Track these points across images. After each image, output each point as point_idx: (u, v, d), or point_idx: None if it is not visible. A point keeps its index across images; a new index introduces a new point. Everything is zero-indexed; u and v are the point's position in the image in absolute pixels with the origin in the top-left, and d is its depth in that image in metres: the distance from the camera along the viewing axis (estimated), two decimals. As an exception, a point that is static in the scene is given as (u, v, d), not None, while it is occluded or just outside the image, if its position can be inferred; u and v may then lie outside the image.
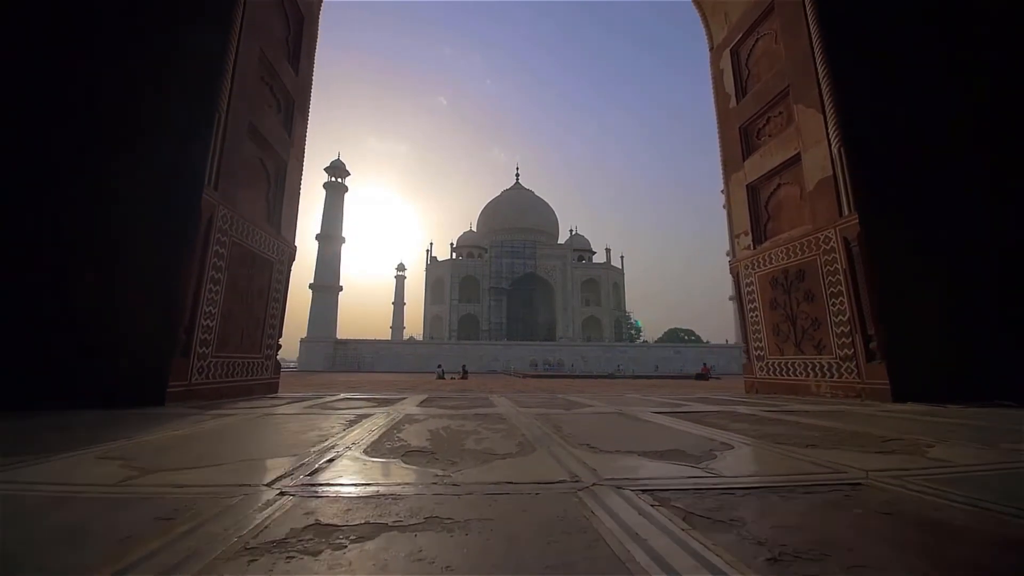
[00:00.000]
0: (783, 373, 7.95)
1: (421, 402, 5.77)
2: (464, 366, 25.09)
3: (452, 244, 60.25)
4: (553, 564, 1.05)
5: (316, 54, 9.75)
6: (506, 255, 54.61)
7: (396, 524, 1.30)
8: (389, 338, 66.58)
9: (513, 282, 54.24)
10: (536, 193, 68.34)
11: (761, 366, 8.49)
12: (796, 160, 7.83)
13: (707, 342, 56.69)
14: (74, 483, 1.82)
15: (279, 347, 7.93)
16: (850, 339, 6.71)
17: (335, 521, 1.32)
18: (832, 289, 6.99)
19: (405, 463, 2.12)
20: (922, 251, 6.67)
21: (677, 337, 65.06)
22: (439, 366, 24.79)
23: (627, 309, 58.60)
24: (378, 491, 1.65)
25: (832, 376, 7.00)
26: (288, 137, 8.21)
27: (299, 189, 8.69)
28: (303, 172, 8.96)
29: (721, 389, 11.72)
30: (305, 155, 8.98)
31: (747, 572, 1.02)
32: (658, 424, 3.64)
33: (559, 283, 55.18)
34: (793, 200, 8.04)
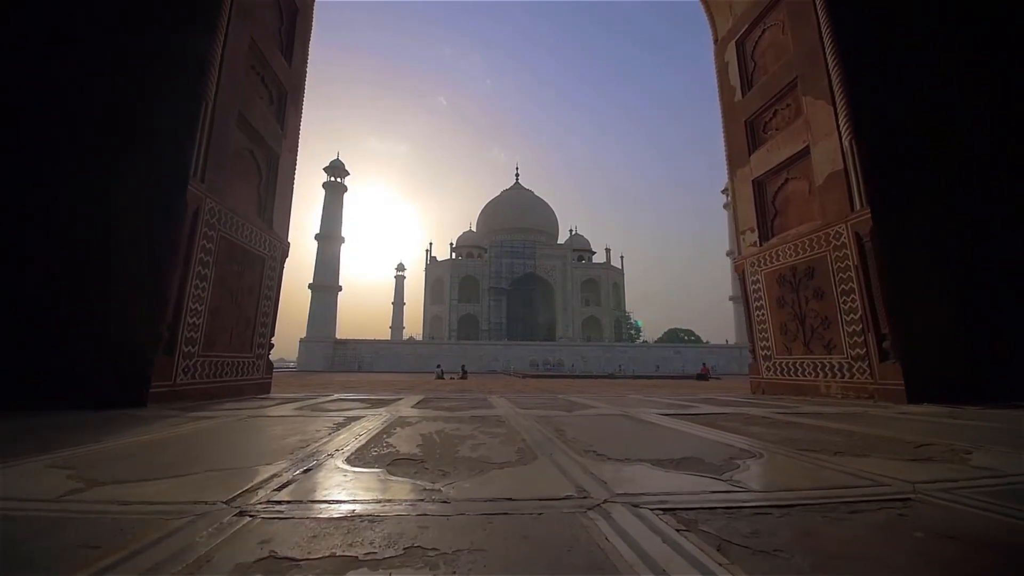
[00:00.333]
0: (791, 373, 7.71)
1: (417, 403, 5.53)
2: (463, 366, 24.83)
3: (452, 244, 60.01)
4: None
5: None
6: (506, 255, 54.35)
7: (368, 558, 1.06)
8: (389, 338, 66.29)
9: (513, 282, 53.99)
10: (536, 193, 68.16)
11: (768, 366, 8.25)
12: (805, 154, 7.59)
13: (707, 342, 56.39)
14: (7, 498, 1.57)
15: (271, 346, 7.68)
16: (862, 338, 6.47)
17: (294, 553, 1.08)
18: (843, 286, 6.75)
19: (390, 474, 1.88)
20: (936, 247, 6.44)
21: (677, 337, 64.79)
22: (438, 366, 24.54)
23: (627, 309, 58.36)
24: (354, 510, 1.41)
25: (843, 376, 6.76)
26: (281, 130, 7.96)
27: (292, 183, 8.44)
28: (297, 166, 8.71)
29: (724, 390, 11.48)
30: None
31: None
32: (667, 428, 3.40)
33: (559, 283, 54.93)
34: (801, 195, 7.80)
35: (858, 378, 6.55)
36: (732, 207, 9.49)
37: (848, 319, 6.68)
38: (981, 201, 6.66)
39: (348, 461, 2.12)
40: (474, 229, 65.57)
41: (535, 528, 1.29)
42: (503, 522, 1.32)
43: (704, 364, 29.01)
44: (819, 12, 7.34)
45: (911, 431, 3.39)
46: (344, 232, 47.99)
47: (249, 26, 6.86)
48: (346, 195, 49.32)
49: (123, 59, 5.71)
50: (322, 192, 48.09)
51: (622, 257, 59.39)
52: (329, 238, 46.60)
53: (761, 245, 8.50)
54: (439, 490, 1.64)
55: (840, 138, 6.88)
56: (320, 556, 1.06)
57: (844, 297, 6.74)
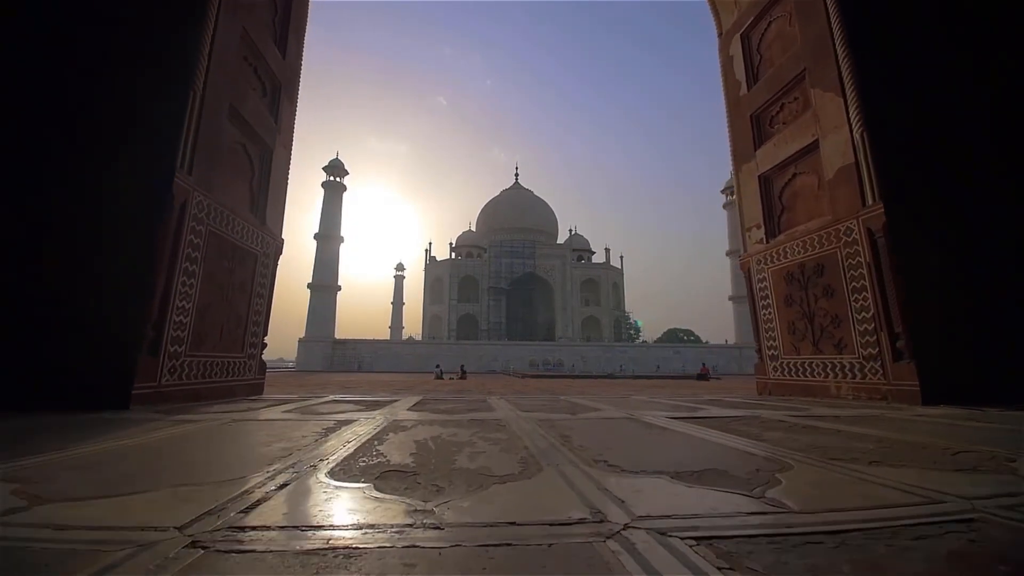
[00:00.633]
0: (799, 374, 7.49)
1: (413, 405, 5.31)
2: (463, 366, 24.60)
3: (451, 244, 59.77)
4: None
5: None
6: (505, 255, 54.12)
7: (335, 612, 0.83)
8: (388, 338, 66.01)
9: (512, 282, 53.76)
10: (535, 193, 67.92)
11: (775, 366, 8.03)
12: (814, 147, 7.37)
13: (706, 342, 56.22)
14: (-71, 521, 1.35)
15: (264, 346, 7.46)
16: (874, 337, 6.25)
17: (243, 604, 0.86)
18: (854, 284, 6.53)
19: (377, 491, 1.66)
20: (950, 244, 6.22)
21: (676, 337, 64.61)
22: (437, 366, 24.31)
23: (627, 309, 58.15)
24: (329, 539, 1.19)
25: (854, 377, 6.54)
26: (274, 123, 7.73)
27: (287, 179, 8.22)
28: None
29: (726, 390, 11.26)
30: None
31: None
32: (679, 433, 3.18)
33: (558, 283, 54.70)
34: (810, 190, 7.58)
35: (870, 379, 6.33)
36: (737, 203, 9.27)
37: (860, 318, 6.46)
38: (997, 197, 6.45)
39: (332, 474, 1.90)
40: (473, 229, 65.33)
41: (544, 561, 1.06)
42: (506, 556, 1.09)
43: (704, 364, 28.80)
44: (828, 2, 7.12)
45: (941, 436, 3.17)
46: (343, 232, 47.78)
47: (241, 15, 6.63)
48: (345, 195, 49.06)
49: (106, 47, 5.48)
50: (321, 192, 47.85)
51: (621, 257, 59.24)
52: (328, 238, 46.34)
53: (768, 242, 8.28)
54: (432, 511, 1.42)
55: (851, 131, 6.67)
56: (276, 609, 0.84)
57: (855, 295, 6.52)
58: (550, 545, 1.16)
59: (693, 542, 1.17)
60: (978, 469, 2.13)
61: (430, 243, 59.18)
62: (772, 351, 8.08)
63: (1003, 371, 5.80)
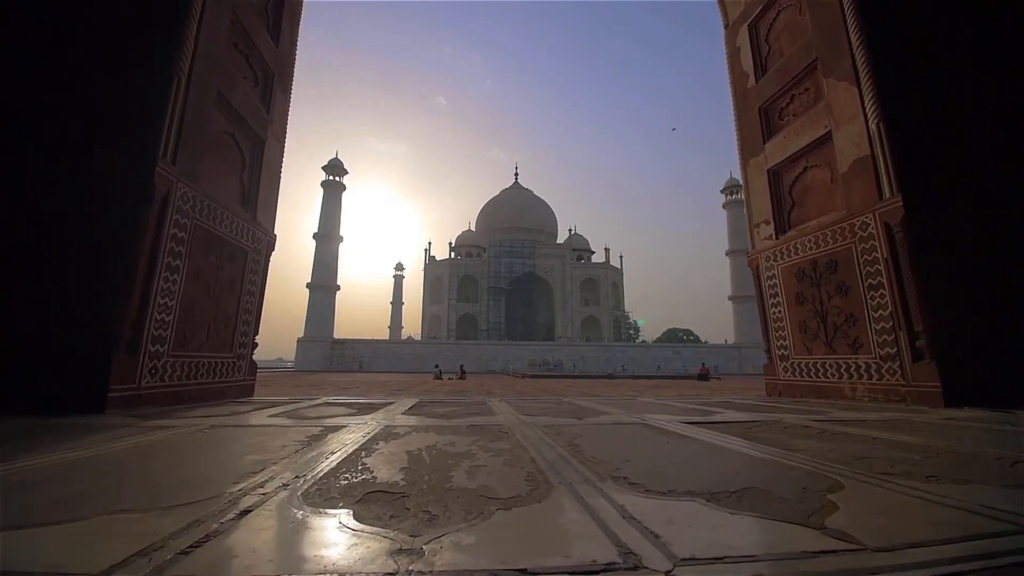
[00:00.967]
0: (811, 374, 7.21)
1: (410, 408, 5.02)
2: (462, 366, 24.29)
3: (451, 243, 59.43)
4: None
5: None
6: (505, 254, 53.82)
7: None
8: (387, 338, 65.67)
9: (512, 282, 53.45)
10: (535, 193, 67.59)
11: (785, 367, 7.74)
12: (826, 139, 7.09)
13: (705, 342, 55.94)
14: None
15: (255, 346, 7.16)
16: (892, 336, 5.98)
17: None
18: (870, 281, 6.25)
19: (356, 519, 1.37)
20: (972, 238, 5.95)
21: (676, 337, 64.38)
22: (436, 366, 24.01)
23: (626, 309, 57.85)
24: (282, 598, 0.90)
25: (871, 378, 6.26)
26: (267, 114, 7.44)
27: (279, 173, 7.92)
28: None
29: (731, 391, 10.98)
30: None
31: None
32: (700, 441, 2.89)
33: (558, 283, 54.40)
34: (822, 184, 7.30)
35: (888, 379, 6.05)
36: (745, 199, 8.99)
37: (876, 316, 6.18)
38: (1020, 189, 6.17)
39: (306, 496, 1.61)
40: (473, 229, 65.01)
41: (570, 637, 0.78)
42: (518, 628, 0.80)
43: (703, 364, 28.58)
44: (842, -12, 6.84)
45: (985, 443, 2.89)
46: (343, 231, 47.43)
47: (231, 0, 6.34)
48: (345, 194, 48.72)
49: (84, 28, 5.19)
50: (321, 191, 47.52)
51: (621, 257, 58.94)
52: (327, 237, 46.00)
53: (777, 238, 8.00)
54: (421, 550, 1.13)
55: (866, 121, 6.39)
56: None
57: (872, 292, 6.24)
58: (575, 608, 0.87)
59: (764, 602, 0.88)
60: (1053, 486, 1.85)
61: (429, 243, 58.91)
62: (782, 351, 7.80)
63: (1025, 371, 5.53)
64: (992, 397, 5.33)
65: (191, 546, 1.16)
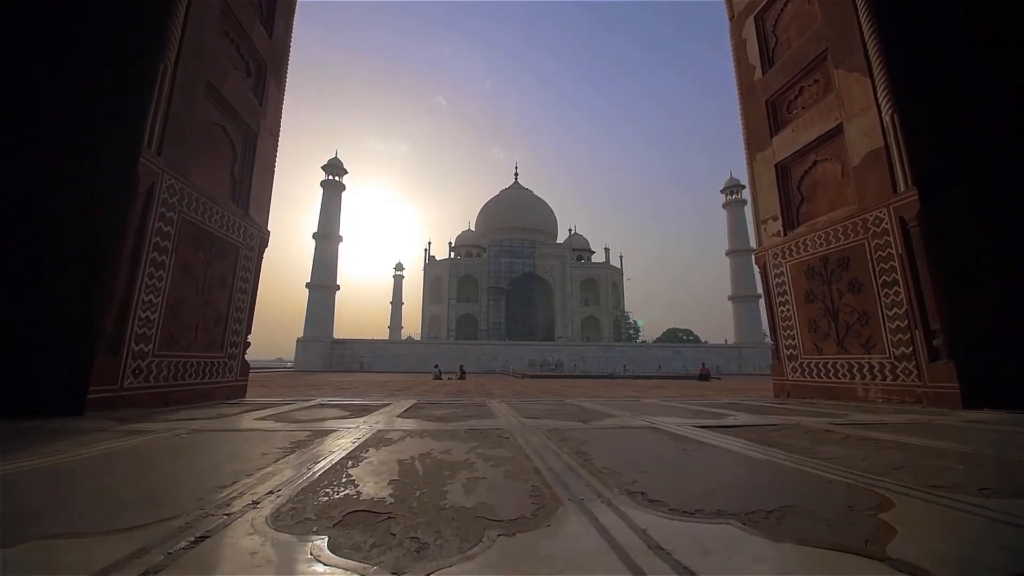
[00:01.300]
0: (821, 375, 6.98)
1: (406, 410, 4.79)
2: (461, 366, 24.04)
3: (450, 243, 59.16)
4: None
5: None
6: (505, 254, 53.56)
7: None
8: (387, 338, 65.43)
9: (512, 281, 53.20)
10: (535, 192, 67.32)
11: (793, 367, 7.52)
12: (837, 132, 6.87)
13: (705, 342, 55.66)
14: None
15: (248, 345, 6.93)
16: (908, 335, 5.76)
17: None
18: (884, 278, 6.03)
19: (331, 550, 1.15)
20: (991, 233, 5.72)
21: (676, 337, 64.10)
22: (436, 366, 23.76)
23: (626, 309, 57.59)
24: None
25: (884, 378, 6.04)
26: (260, 107, 7.22)
27: (273, 166, 7.70)
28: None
29: (735, 391, 10.76)
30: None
31: None
32: (719, 448, 2.67)
33: (558, 283, 54.14)
34: (833, 178, 7.08)
35: (903, 380, 5.83)
36: (751, 195, 8.77)
37: (891, 314, 5.96)
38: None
39: (275, 518, 1.39)
40: (473, 228, 64.75)
41: None
42: None
43: (703, 364, 28.42)
44: (853, -24, 6.62)
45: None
46: (342, 231, 47.16)
47: (220, -13, 6.12)
48: (345, 194, 48.45)
49: (66, 13, 4.96)
50: (320, 191, 47.26)
51: (621, 257, 58.66)
52: (327, 237, 45.73)
53: (786, 234, 7.78)
54: (404, 595, 0.91)
55: (879, 113, 6.17)
56: None
57: (886, 289, 6.02)
58: None
59: None
60: None
61: (429, 243, 58.63)
62: (791, 351, 7.57)
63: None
64: (1012, 398, 5.11)
65: (119, 589, 0.93)
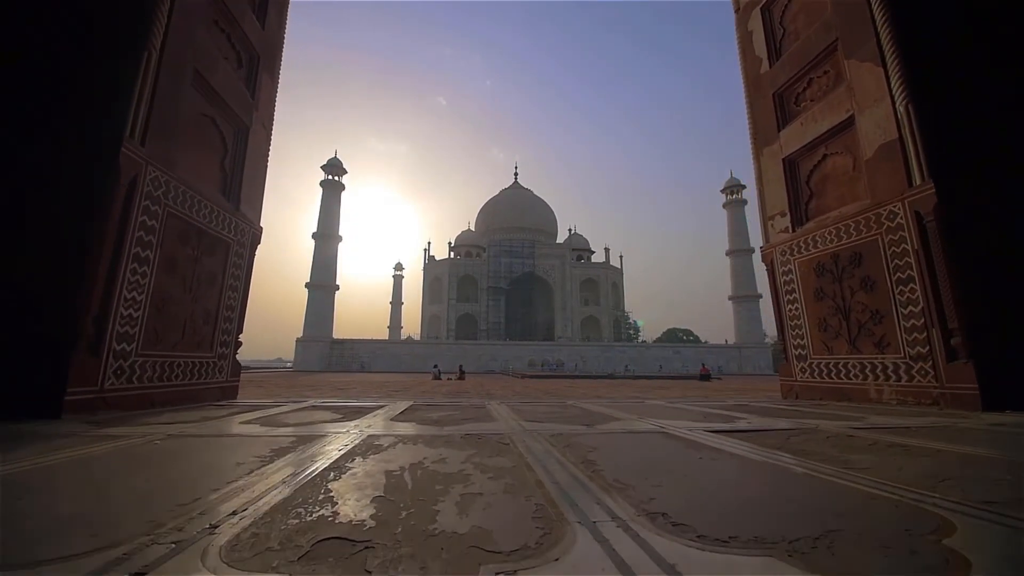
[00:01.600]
0: (832, 375, 6.76)
1: (401, 413, 4.57)
2: (461, 366, 23.82)
3: (450, 243, 58.92)
4: None
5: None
6: (504, 254, 53.34)
7: None
8: (387, 338, 65.19)
9: (511, 281, 52.97)
10: (535, 192, 67.10)
11: (802, 367, 7.29)
12: (848, 124, 6.65)
13: (705, 342, 55.43)
14: None
15: (239, 345, 6.71)
16: (924, 334, 5.54)
17: None
18: (899, 275, 5.81)
19: (286, 595, 0.92)
20: (1012, 227, 5.50)
21: (676, 337, 63.92)
22: (435, 366, 23.53)
23: (626, 309, 57.36)
24: None
25: (899, 379, 5.82)
26: (252, 99, 6.99)
27: (266, 161, 7.48)
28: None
29: (739, 392, 10.54)
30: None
31: None
32: (739, 457, 2.45)
33: (558, 283, 53.91)
34: (843, 172, 6.86)
35: (919, 380, 5.61)
36: (758, 190, 8.55)
37: (906, 312, 5.74)
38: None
39: (232, 548, 1.16)
40: (473, 228, 64.53)
41: None
42: None
43: (703, 364, 28.31)
44: (864, -37, 6.39)
45: (1073, 459, 2.45)
46: (342, 231, 46.95)
47: (210, -27, 5.90)
48: (345, 194, 48.24)
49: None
50: (320, 191, 47.04)
51: (621, 257, 58.45)
52: (326, 237, 45.52)
53: (794, 231, 7.55)
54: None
55: (893, 103, 5.95)
56: None
57: (900, 287, 5.79)
58: None
59: None
60: None
61: (429, 242, 58.41)
62: (800, 350, 7.35)
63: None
64: (1031, 400, 4.90)
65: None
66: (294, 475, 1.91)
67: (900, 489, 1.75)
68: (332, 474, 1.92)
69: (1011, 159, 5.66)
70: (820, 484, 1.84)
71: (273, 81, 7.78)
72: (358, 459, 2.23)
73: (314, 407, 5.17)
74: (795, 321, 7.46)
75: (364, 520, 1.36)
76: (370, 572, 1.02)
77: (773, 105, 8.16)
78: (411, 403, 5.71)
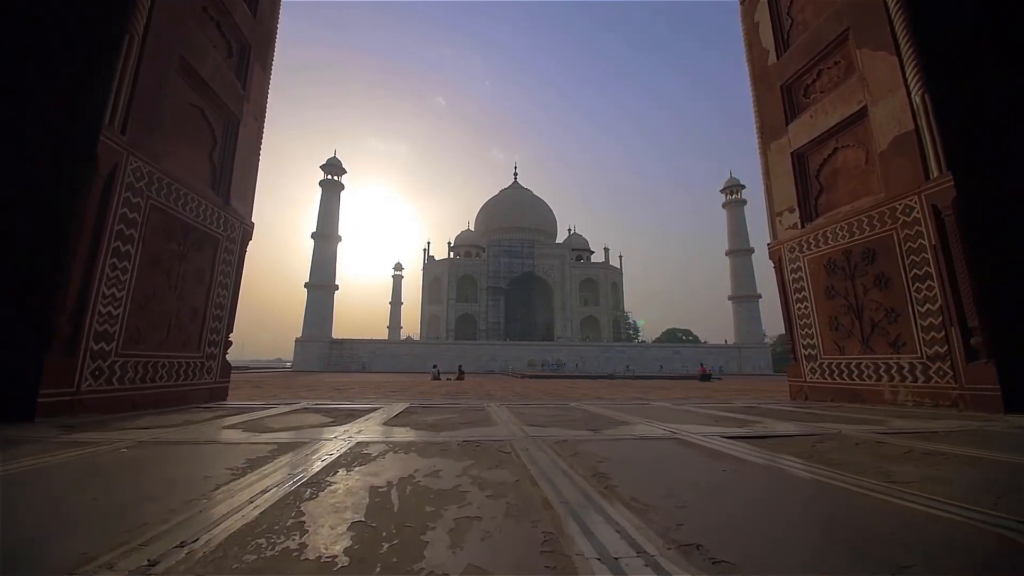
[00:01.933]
0: (843, 376, 6.52)
1: (395, 416, 4.34)
2: (460, 366, 23.56)
3: (450, 243, 58.63)
4: None
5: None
6: (504, 254, 53.05)
7: None
8: (386, 338, 64.90)
9: (511, 281, 52.70)
10: (534, 192, 66.79)
11: (812, 367, 7.06)
12: (861, 116, 6.42)
13: (705, 342, 55.16)
14: None
15: (229, 344, 6.46)
16: (942, 333, 5.31)
17: None
18: (916, 271, 5.58)
19: None
20: (1032, 222, 5.28)
21: (675, 337, 63.63)
22: (434, 366, 23.26)
23: (626, 309, 57.10)
24: None
25: (915, 380, 5.59)
26: (242, 90, 6.75)
27: (258, 154, 7.23)
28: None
29: (741, 393, 10.30)
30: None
31: None
32: (763, 467, 2.21)
33: (557, 282, 53.64)
34: (855, 165, 6.63)
35: (936, 381, 5.38)
36: (765, 185, 8.31)
37: (923, 311, 5.50)
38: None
39: (161, 596, 0.92)
40: (472, 228, 64.24)
41: None
42: None
43: (702, 364, 28.18)
44: (876, -51, 6.16)
45: None
46: (342, 231, 46.65)
47: (197, -43, 5.66)
48: (344, 194, 47.93)
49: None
50: (319, 190, 46.75)
51: (620, 257, 58.18)
52: (326, 236, 45.22)
53: (803, 227, 7.32)
54: None
55: (908, 93, 5.72)
56: None
57: (917, 284, 5.56)
58: None
59: None
60: None
61: (428, 242, 58.10)
62: (809, 350, 7.11)
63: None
64: (1056, 401, 4.67)
65: None
66: (265, 492, 1.67)
67: (959, 507, 1.52)
68: (309, 491, 1.68)
69: (1033, 151, 5.42)
70: (869, 504, 1.60)
71: (265, 72, 7.54)
72: (341, 472, 1.99)
73: (305, 410, 4.93)
74: (804, 320, 7.22)
75: (336, 556, 1.12)
76: (332, 638, 0.79)
77: (781, 98, 7.93)
78: (407, 405, 5.47)
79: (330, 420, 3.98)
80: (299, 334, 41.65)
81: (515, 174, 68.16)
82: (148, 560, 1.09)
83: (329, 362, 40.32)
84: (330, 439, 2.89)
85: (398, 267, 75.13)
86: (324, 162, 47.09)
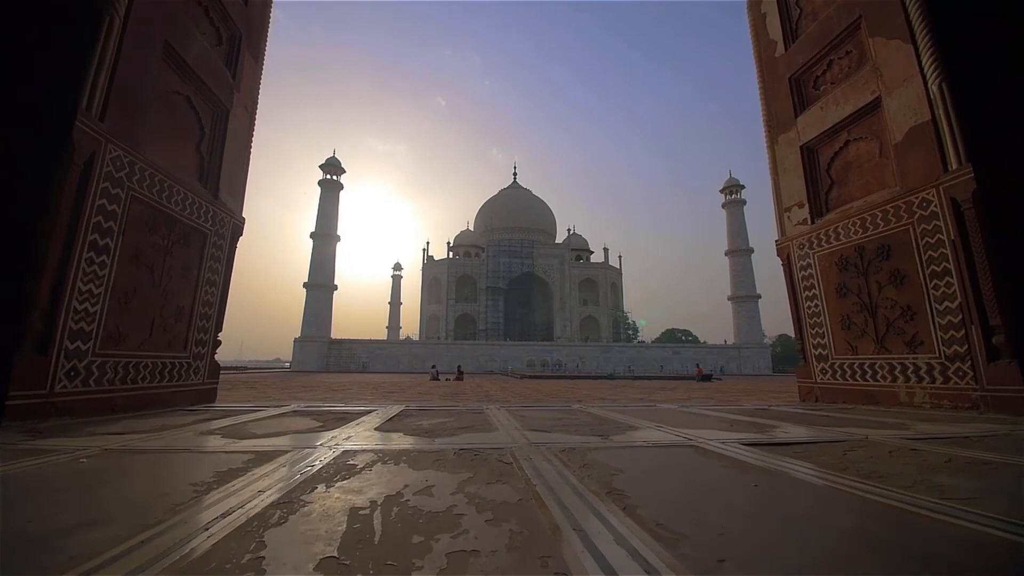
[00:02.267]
0: (856, 377, 6.29)
1: (389, 419, 4.09)
2: (459, 367, 23.33)
3: (449, 243, 58.37)
4: None
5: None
6: (503, 254, 52.79)
7: None
8: (385, 338, 64.61)
9: (510, 281, 52.45)
10: (534, 192, 66.56)
11: (823, 368, 6.83)
12: (874, 107, 6.19)
13: (704, 342, 54.96)
14: None
15: (218, 344, 6.21)
16: (962, 332, 5.08)
17: None
18: (933, 267, 5.35)
19: None
20: (1055, 217, 5.05)
21: (675, 337, 63.40)
22: (433, 367, 23.02)
23: (625, 309, 56.88)
24: None
25: (933, 380, 5.36)
26: (232, 79, 6.50)
27: (249, 147, 6.98)
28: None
29: (744, 393, 10.08)
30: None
31: None
32: (795, 481, 1.98)
33: (557, 283, 53.40)
34: (868, 158, 6.39)
35: (956, 382, 5.15)
36: (772, 180, 8.08)
37: (941, 308, 5.28)
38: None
39: None
40: (472, 228, 64.00)
41: None
42: None
43: (698, 365, 28.09)
44: (891, -66, 5.94)
45: None
46: (341, 231, 46.37)
47: (184, -61, 5.41)
48: (344, 194, 47.66)
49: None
50: (319, 190, 46.46)
51: (620, 257, 57.99)
52: (325, 236, 44.95)
53: (813, 223, 7.08)
54: None
55: (925, 83, 5.49)
56: None
57: (935, 281, 5.33)
58: None
59: None
60: None
61: (428, 242, 57.85)
62: (820, 350, 6.88)
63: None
64: (1081, 403, 4.45)
65: None
66: (227, 515, 1.42)
67: (1047, 537, 1.28)
68: (277, 514, 1.44)
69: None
70: (931, 527, 1.36)
71: (257, 63, 7.29)
72: (319, 488, 1.75)
73: (295, 412, 4.69)
74: (815, 319, 6.99)
75: (294, 610, 0.88)
76: None
77: (789, 90, 7.70)
78: (402, 408, 5.23)
79: (319, 425, 3.73)
80: (298, 334, 41.39)
81: (515, 174, 67.94)
82: (52, 617, 0.85)
83: (328, 362, 40.07)
84: (314, 447, 2.65)
85: (397, 267, 74.84)
86: (323, 162, 46.81)
